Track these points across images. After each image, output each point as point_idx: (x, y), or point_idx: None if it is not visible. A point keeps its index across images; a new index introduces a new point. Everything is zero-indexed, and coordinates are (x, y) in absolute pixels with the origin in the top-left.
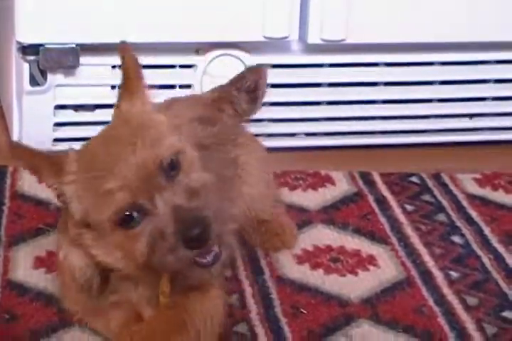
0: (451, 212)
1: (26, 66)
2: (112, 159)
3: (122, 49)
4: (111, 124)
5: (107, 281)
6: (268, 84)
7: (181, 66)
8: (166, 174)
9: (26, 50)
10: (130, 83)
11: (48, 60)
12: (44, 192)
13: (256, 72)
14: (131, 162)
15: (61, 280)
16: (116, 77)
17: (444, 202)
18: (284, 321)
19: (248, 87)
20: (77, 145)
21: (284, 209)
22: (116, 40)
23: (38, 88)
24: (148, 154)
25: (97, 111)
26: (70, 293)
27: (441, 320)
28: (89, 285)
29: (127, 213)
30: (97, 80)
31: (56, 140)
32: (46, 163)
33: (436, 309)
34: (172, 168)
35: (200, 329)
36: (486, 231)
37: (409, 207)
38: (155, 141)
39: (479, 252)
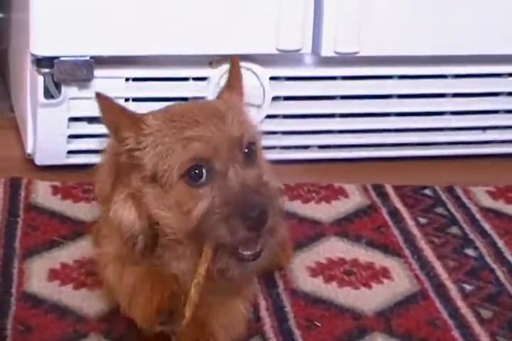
0: (464, 225)
1: (41, 79)
2: (200, 117)
3: (232, 60)
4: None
5: (153, 247)
6: (281, 97)
7: (194, 78)
8: (243, 154)
9: (41, 62)
10: (233, 83)
11: (63, 73)
12: (62, 205)
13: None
14: (219, 126)
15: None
16: (130, 90)
17: (458, 215)
18: (298, 334)
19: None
20: (91, 158)
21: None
22: (130, 53)
23: (52, 101)
24: (235, 128)
25: None
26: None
27: (455, 333)
28: (134, 243)
29: (198, 167)
30: (110, 93)
31: (70, 152)
32: (127, 117)
33: (450, 322)
34: (249, 154)
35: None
36: (500, 244)
37: (422, 220)
38: (243, 124)
39: (493, 265)
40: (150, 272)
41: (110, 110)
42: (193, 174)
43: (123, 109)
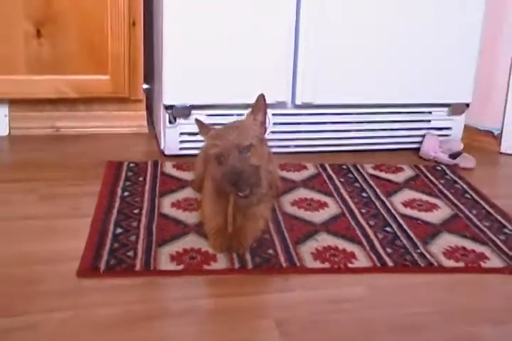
0: (361, 182)
1: (167, 115)
2: (223, 134)
3: (259, 96)
4: (237, 120)
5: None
6: (278, 123)
7: (238, 114)
8: (239, 151)
9: (167, 107)
10: (254, 110)
11: (176, 112)
12: (177, 173)
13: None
14: (229, 139)
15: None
16: (207, 120)
17: (358, 178)
18: (285, 232)
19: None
20: (190, 151)
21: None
22: (208, 102)
23: (172, 125)
24: (237, 139)
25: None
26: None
27: (358, 232)
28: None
29: (218, 157)
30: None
31: (181, 148)
32: (206, 129)
33: (355, 228)
34: (245, 150)
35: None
36: (378, 191)
37: (342, 180)
38: (245, 136)
39: (375, 200)
40: (218, 211)
41: (201, 125)
42: (217, 159)
43: (205, 125)
